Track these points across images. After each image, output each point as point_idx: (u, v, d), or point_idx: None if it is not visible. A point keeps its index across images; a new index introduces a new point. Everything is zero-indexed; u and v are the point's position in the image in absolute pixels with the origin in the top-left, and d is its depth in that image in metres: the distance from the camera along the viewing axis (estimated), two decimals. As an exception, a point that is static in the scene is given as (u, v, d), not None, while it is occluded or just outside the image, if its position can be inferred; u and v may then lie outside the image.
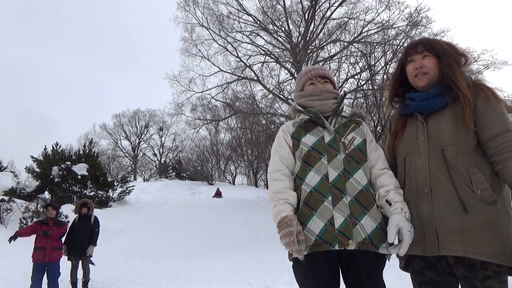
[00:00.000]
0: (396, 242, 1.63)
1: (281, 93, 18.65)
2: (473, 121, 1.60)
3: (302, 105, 1.94)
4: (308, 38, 18.08)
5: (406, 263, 1.79)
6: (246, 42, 18.99)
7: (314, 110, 1.88)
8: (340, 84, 17.69)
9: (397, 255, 1.76)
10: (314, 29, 18.36)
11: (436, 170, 1.64)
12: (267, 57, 18.93)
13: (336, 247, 1.59)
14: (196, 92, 19.63)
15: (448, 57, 1.72)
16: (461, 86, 1.66)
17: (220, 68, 19.24)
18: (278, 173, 1.78)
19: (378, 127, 15.32)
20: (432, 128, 1.70)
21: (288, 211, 1.65)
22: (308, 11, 18.13)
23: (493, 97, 1.62)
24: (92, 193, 15.67)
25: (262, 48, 18.82)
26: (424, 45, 1.77)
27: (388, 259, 1.71)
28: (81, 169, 15.80)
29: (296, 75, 14.46)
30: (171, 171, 38.05)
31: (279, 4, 18.24)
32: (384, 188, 1.74)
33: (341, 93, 1.98)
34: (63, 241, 6.21)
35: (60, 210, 12.59)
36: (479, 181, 1.56)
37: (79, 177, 15.61)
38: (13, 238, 5.61)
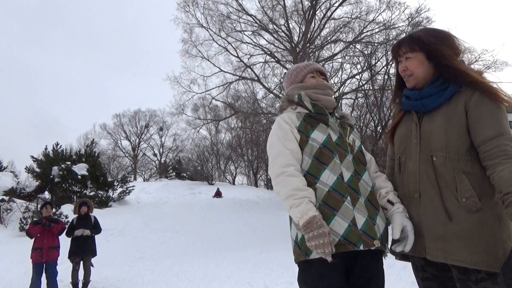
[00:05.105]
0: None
1: (282, 92, 18.66)
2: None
3: (308, 97, 1.83)
4: (308, 38, 18.08)
5: (407, 258, 1.82)
6: (247, 43, 19.01)
7: (320, 104, 1.79)
8: (341, 84, 17.71)
9: (392, 251, 1.79)
10: (315, 29, 18.37)
11: (425, 176, 1.64)
12: (268, 57, 18.95)
13: (361, 247, 1.58)
14: (197, 93, 19.68)
15: (435, 50, 1.65)
16: (463, 70, 1.60)
17: (220, 69, 19.28)
18: (292, 168, 1.66)
19: (378, 127, 15.30)
20: (424, 131, 1.67)
21: (314, 211, 1.56)
22: (308, 11, 18.12)
23: (488, 98, 1.55)
24: (92, 193, 15.67)
25: (263, 48, 18.84)
26: (407, 45, 1.71)
27: (385, 257, 1.74)
28: (81, 169, 15.80)
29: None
30: (171, 171, 38.03)
31: (280, 4, 18.24)
32: (384, 189, 1.78)
33: (337, 94, 1.95)
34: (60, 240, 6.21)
35: (60, 210, 12.62)
36: (464, 188, 1.54)
37: (79, 177, 15.60)
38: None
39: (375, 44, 16.51)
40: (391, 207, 1.71)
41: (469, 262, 1.50)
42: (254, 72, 18.84)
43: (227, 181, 36.17)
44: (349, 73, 17.90)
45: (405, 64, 1.71)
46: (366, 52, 16.74)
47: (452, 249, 1.54)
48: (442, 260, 1.56)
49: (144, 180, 38.73)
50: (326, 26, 18.41)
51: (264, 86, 18.75)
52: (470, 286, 1.53)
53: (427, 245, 1.62)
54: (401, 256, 1.84)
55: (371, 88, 16.47)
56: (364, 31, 17.46)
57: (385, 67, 15.86)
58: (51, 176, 15.28)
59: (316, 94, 1.82)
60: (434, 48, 1.66)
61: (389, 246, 1.73)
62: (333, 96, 1.90)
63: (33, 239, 5.80)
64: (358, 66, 17.52)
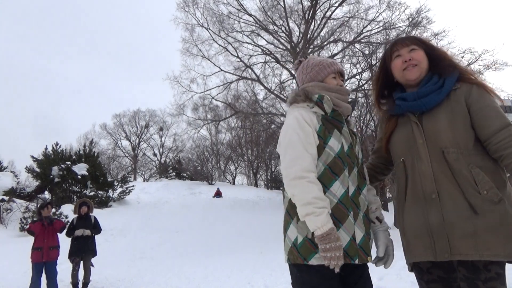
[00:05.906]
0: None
1: (282, 92, 18.66)
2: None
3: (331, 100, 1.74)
4: (308, 38, 18.07)
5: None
6: (247, 43, 19.01)
7: (340, 111, 1.75)
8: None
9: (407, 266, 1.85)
10: (315, 29, 18.36)
11: (441, 174, 1.61)
12: (268, 57, 18.94)
13: (357, 262, 1.62)
14: (197, 93, 19.67)
15: (431, 46, 1.78)
16: (461, 66, 1.70)
17: (220, 68, 19.28)
18: (313, 175, 1.62)
19: (379, 128, 15.28)
20: (428, 129, 1.66)
21: (332, 223, 1.57)
22: (308, 11, 18.12)
23: (486, 92, 1.61)
24: (92, 193, 15.67)
25: (263, 48, 18.84)
26: (411, 39, 1.79)
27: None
28: (81, 169, 15.81)
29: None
30: (171, 171, 38.02)
31: (279, 4, 18.24)
32: (374, 204, 1.84)
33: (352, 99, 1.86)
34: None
35: (60, 210, 12.63)
36: (483, 181, 1.53)
37: (79, 177, 15.61)
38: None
39: (375, 44, 16.51)
40: (378, 223, 1.81)
41: (503, 255, 1.48)
42: (254, 72, 18.86)
43: (227, 181, 36.14)
44: (349, 73, 17.88)
45: (410, 54, 1.73)
46: (366, 52, 16.75)
47: (485, 244, 1.50)
48: (478, 257, 1.50)
49: (144, 180, 38.68)
50: (326, 26, 18.43)
51: (264, 87, 18.75)
52: (478, 285, 1.51)
53: (453, 244, 1.54)
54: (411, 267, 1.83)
55: (371, 88, 16.46)
56: (364, 31, 17.47)
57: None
58: (51, 176, 15.28)
59: (337, 99, 1.76)
60: (429, 44, 1.78)
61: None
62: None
63: (34, 238, 5.80)
64: (358, 66, 17.53)
